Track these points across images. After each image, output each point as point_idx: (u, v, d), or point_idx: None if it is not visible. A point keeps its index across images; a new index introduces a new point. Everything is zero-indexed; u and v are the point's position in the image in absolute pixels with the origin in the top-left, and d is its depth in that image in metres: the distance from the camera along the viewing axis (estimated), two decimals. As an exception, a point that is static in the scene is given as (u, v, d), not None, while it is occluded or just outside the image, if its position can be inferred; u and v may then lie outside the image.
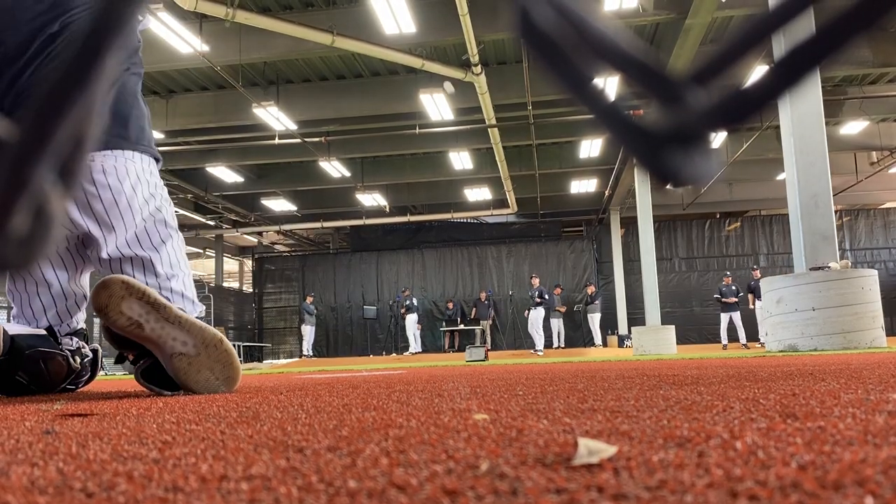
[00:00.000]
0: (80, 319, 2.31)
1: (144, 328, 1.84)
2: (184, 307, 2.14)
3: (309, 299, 20.27)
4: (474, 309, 20.24)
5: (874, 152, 18.61)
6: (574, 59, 0.44)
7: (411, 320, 19.51)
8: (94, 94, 0.37)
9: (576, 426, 0.77)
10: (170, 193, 2.38)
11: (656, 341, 12.85)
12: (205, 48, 10.59)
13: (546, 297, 17.45)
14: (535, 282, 17.90)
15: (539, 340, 17.42)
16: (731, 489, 0.43)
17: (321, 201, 21.22)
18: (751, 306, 15.50)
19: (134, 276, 2.11)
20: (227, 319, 22.34)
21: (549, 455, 0.58)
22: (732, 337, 15.77)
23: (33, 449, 0.74)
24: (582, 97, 0.45)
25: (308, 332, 19.82)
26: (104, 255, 2.12)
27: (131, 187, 2.12)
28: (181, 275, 2.21)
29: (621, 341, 19.09)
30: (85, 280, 2.33)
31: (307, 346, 19.87)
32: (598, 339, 19.18)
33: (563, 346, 18.40)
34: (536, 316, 17.39)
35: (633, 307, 20.61)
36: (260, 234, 25.08)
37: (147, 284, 2.09)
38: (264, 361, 18.62)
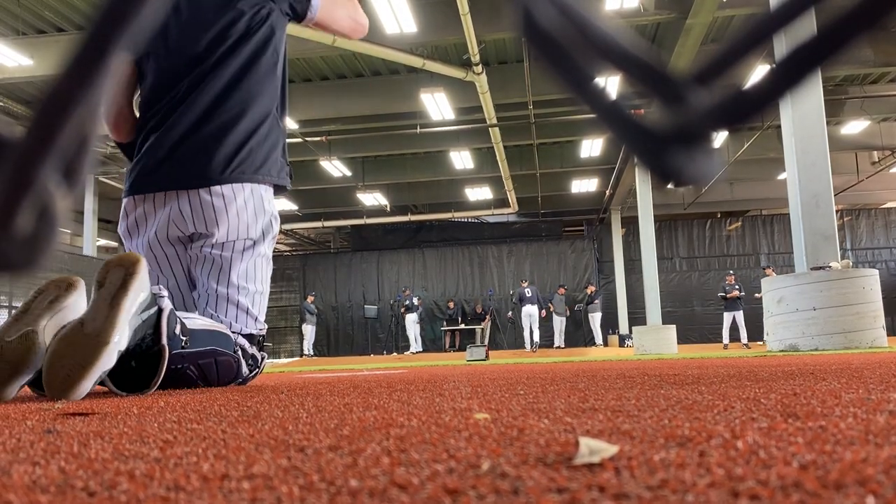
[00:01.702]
0: None
1: None
2: (246, 323, 2.33)
3: (310, 299, 20.28)
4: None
5: (875, 152, 18.60)
6: (576, 59, 0.44)
7: (411, 320, 19.52)
8: (98, 94, 0.37)
9: (577, 425, 0.77)
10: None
11: (657, 341, 12.82)
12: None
13: (527, 296, 18.01)
14: (524, 284, 18.62)
15: (526, 336, 18.13)
16: (733, 489, 0.43)
17: (322, 201, 21.20)
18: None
19: (207, 282, 2.31)
20: (228, 319, 22.31)
21: (551, 454, 0.58)
22: (734, 337, 15.76)
23: (35, 448, 0.74)
24: (584, 96, 0.45)
25: (309, 331, 19.83)
26: (198, 243, 2.33)
27: (230, 192, 2.40)
28: (252, 290, 2.38)
29: (622, 341, 19.07)
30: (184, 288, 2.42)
31: (308, 346, 19.88)
32: (598, 338, 19.20)
33: (563, 345, 18.43)
34: (529, 312, 17.80)
35: (633, 307, 20.60)
36: (261, 233, 25.04)
37: (217, 293, 2.30)
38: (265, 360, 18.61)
